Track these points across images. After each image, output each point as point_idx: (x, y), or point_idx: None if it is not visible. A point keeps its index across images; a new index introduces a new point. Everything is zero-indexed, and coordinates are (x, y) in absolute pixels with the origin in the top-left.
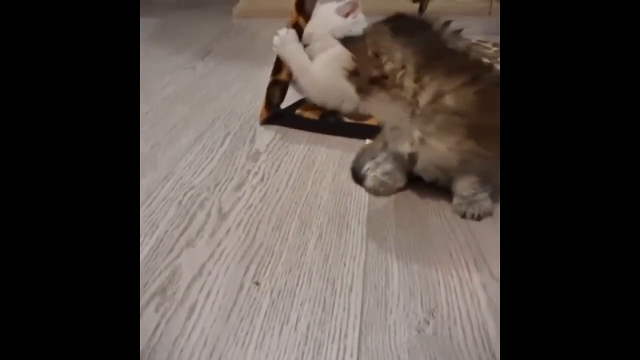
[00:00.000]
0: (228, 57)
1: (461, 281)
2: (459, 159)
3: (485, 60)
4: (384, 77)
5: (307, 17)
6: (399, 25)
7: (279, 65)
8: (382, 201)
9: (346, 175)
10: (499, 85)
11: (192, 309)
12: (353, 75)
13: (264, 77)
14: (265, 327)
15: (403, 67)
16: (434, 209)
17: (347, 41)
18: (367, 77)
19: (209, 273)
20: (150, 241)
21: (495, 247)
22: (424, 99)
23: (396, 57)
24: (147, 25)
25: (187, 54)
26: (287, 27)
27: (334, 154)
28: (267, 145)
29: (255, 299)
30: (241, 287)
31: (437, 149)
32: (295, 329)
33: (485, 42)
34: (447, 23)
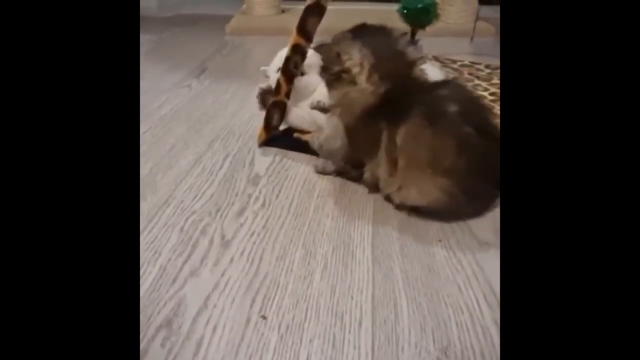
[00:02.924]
0: (223, 75)
1: (472, 317)
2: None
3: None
4: (344, 71)
5: (309, 38)
6: (359, 32)
7: (278, 86)
8: (386, 228)
9: (348, 200)
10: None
11: (199, 344)
12: (323, 71)
13: None
14: None
15: (361, 64)
16: (437, 237)
17: (319, 47)
18: (331, 72)
19: (215, 305)
20: (154, 270)
21: None
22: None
23: (354, 56)
24: (141, 42)
25: (183, 71)
26: (288, 48)
27: (334, 178)
28: (267, 169)
29: (263, 334)
30: (248, 320)
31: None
32: None
33: (479, 63)
34: (404, 34)
